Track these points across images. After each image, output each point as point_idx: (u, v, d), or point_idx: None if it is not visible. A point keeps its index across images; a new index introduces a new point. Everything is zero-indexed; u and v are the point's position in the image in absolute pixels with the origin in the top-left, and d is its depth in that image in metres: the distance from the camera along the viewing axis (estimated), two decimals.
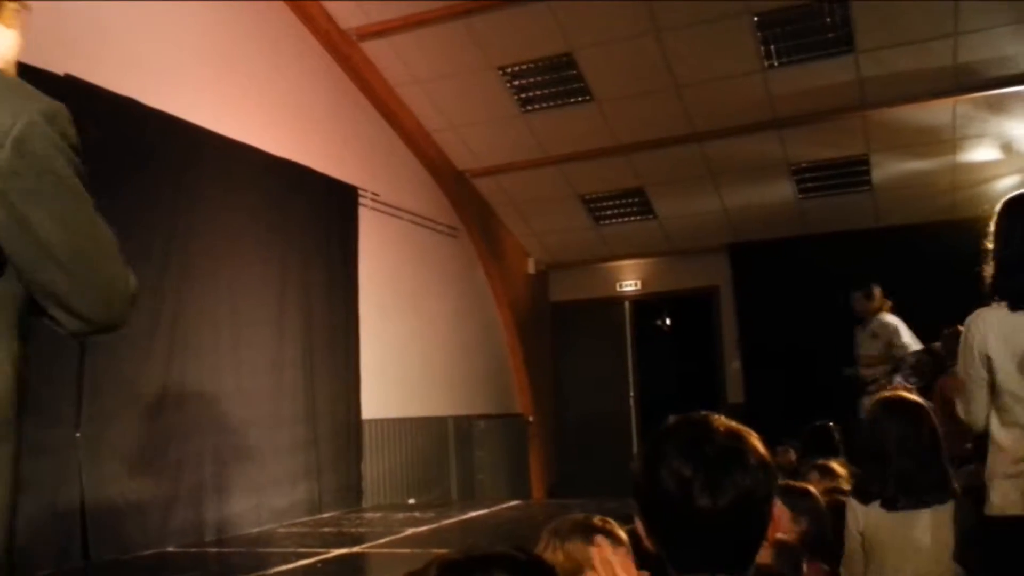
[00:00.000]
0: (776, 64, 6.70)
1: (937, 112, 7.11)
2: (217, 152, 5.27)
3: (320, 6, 6.43)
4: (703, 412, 1.40)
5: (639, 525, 1.39)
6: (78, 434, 4.13)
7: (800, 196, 8.35)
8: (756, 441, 1.36)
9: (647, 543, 1.40)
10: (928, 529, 2.48)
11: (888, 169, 7.88)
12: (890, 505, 2.54)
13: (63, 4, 4.37)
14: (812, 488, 2.98)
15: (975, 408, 2.47)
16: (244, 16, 5.78)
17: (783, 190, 8.30)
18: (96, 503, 4.16)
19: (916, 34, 6.29)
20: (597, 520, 1.97)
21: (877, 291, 7.00)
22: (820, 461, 3.69)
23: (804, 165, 7.98)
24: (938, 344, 4.87)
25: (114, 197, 4.47)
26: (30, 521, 3.84)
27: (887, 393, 3.07)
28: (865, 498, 2.61)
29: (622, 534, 1.93)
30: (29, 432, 3.78)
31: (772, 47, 6.56)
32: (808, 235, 8.64)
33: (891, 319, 6.93)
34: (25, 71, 4.11)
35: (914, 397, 2.79)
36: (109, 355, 4.35)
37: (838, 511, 2.74)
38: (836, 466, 3.55)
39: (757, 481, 1.31)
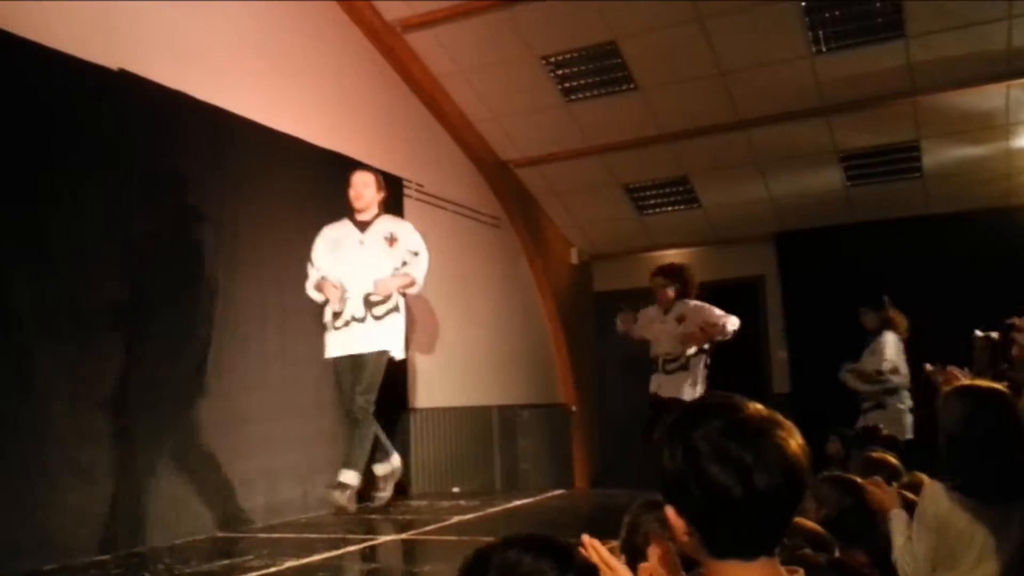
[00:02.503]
0: (824, 50, 6.60)
1: (990, 97, 6.95)
2: (264, 144, 5.33)
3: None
4: (718, 395, 1.39)
5: (675, 522, 1.35)
6: (132, 422, 4.23)
7: (848, 183, 8.22)
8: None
9: (683, 539, 1.37)
10: (1016, 525, 2.42)
11: (939, 155, 7.72)
12: (973, 494, 2.48)
13: (116, 2, 4.46)
14: (846, 475, 2.95)
15: None
16: (290, 10, 5.83)
17: (831, 177, 8.18)
18: (150, 489, 4.25)
19: (968, 18, 6.14)
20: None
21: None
22: (871, 454, 3.63)
23: (853, 152, 7.85)
24: (997, 334, 4.76)
25: (165, 190, 4.58)
26: (86, 508, 3.95)
27: (969, 381, 2.99)
28: (956, 487, 2.54)
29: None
30: (86, 421, 3.87)
31: (820, 32, 6.45)
32: (856, 223, 8.51)
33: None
34: (81, 66, 4.23)
35: (1001, 387, 2.72)
36: (162, 345, 4.45)
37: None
38: (889, 458, 3.49)
39: (801, 448, 1.31)
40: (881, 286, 7.92)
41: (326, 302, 4.99)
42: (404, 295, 5.16)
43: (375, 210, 5.10)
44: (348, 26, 6.50)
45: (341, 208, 5.99)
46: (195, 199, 4.79)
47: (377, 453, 5.10)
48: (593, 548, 1.52)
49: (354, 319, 4.90)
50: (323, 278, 4.94)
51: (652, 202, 8.95)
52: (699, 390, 6.52)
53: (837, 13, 6.29)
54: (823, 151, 7.83)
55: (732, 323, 6.56)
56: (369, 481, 5.15)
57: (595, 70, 7.08)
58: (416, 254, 5.09)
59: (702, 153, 8.00)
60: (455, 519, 4.80)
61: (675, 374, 6.58)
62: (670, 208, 8.99)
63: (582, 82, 7.24)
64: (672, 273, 6.85)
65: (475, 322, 7.73)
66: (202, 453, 4.61)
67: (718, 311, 6.61)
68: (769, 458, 1.27)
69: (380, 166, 6.43)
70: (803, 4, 6.23)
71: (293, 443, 5.31)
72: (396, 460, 5.18)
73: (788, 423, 1.34)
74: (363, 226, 5.07)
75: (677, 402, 6.30)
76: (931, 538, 2.52)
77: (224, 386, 4.82)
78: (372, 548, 3.94)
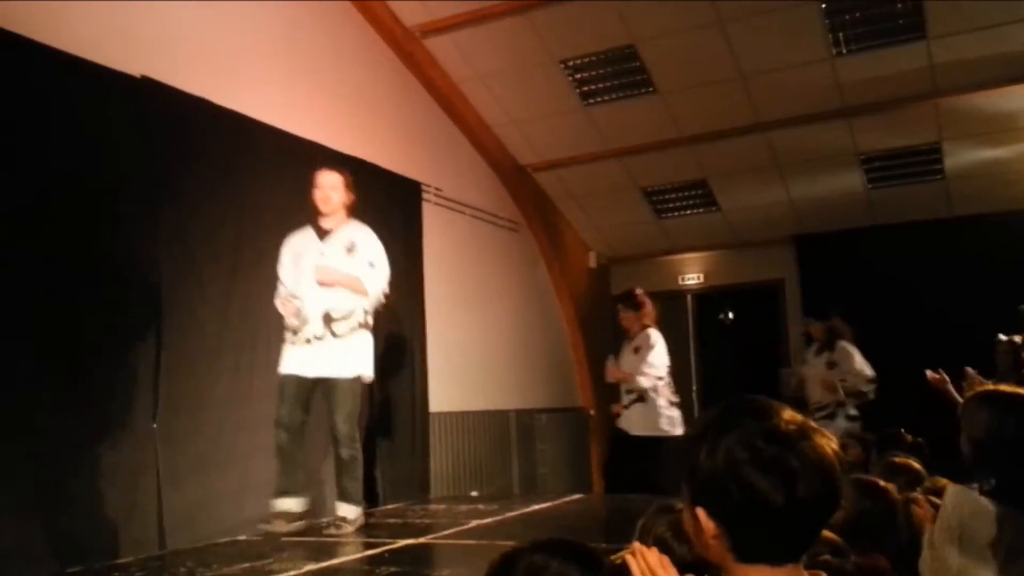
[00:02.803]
0: (845, 52, 6.56)
1: (1013, 98, 6.89)
2: (284, 149, 5.36)
3: (384, 4, 6.51)
4: (751, 399, 1.35)
5: (705, 524, 1.31)
6: (155, 425, 4.27)
7: (869, 186, 8.17)
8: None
9: (710, 542, 1.32)
10: None
11: (961, 157, 7.66)
12: (1000, 499, 2.45)
13: (138, 8, 4.51)
14: (866, 478, 2.91)
15: None
16: (310, 16, 5.88)
17: (852, 180, 8.13)
18: (171, 493, 4.29)
19: (990, 19, 6.10)
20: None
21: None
22: (893, 458, 3.58)
23: (874, 154, 7.80)
24: (1020, 337, 4.71)
25: (186, 195, 4.61)
26: (110, 509, 3.99)
27: (991, 386, 2.96)
28: (983, 492, 2.51)
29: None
30: (108, 425, 3.89)
31: (840, 34, 6.43)
32: (877, 226, 8.45)
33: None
34: (104, 73, 4.27)
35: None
36: (183, 350, 4.48)
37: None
38: (912, 463, 3.45)
39: (836, 455, 1.29)
40: (902, 289, 7.87)
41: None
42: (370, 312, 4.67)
43: (342, 216, 4.69)
44: (368, 32, 6.53)
45: (361, 214, 6.03)
46: (217, 204, 4.82)
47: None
48: (641, 555, 1.48)
49: (315, 338, 4.47)
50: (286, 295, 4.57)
51: (670, 205, 8.93)
52: (666, 421, 6.19)
53: (857, 15, 6.25)
54: (844, 153, 7.78)
55: (646, 382, 6.19)
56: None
57: (614, 73, 7.08)
58: (372, 265, 4.62)
59: (721, 156, 7.97)
60: (474, 523, 4.80)
61: (632, 407, 6.25)
62: (689, 211, 8.96)
63: (600, 85, 7.24)
64: (627, 299, 6.54)
65: (493, 326, 7.73)
66: (223, 457, 4.64)
67: (652, 360, 6.20)
68: (811, 465, 1.25)
69: (399, 171, 6.49)
70: (823, 6, 6.20)
71: (313, 447, 5.33)
72: (360, 511, 4.61)
73: (821, 429, 1.32)
74: (325, 234, 4.66)
75: (652, 441, 6.10)
76: (954, 543, 2.49)
77: (245, 390, 4.85)
78: (391, 552, 3.94)
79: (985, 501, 2.47)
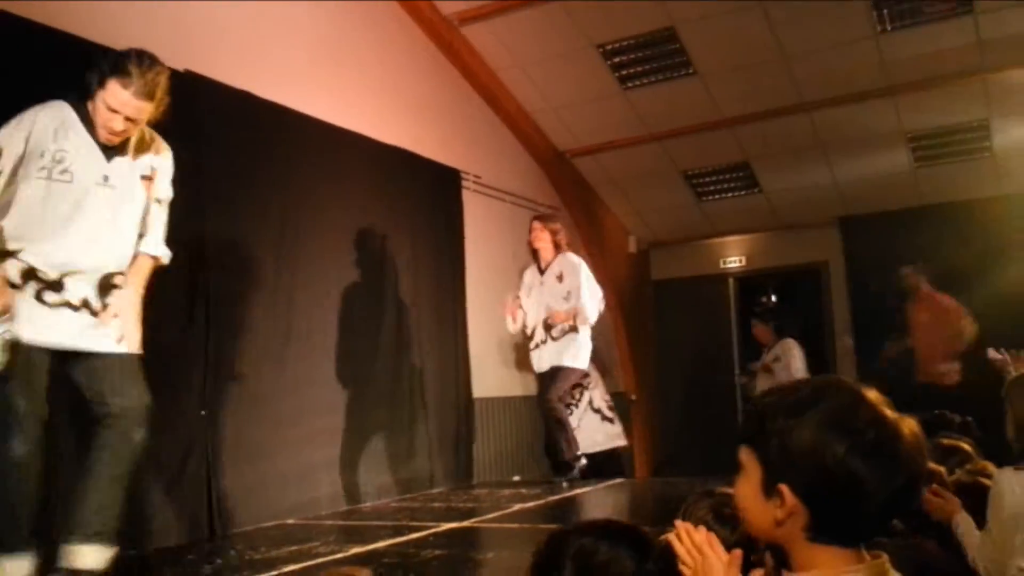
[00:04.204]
0: (889, 28, 6.43)
1: None
2: (326, 140, 5.42)
3: None
4: (839, 380, 1.34)
5: (789, 500, 1.27)
6: (203, 412, 4.36)
7: (916, 165, 8.01)
8: None
9: (782, 518, 1.28)
10: None
11: (1010, 134, 7.47)
12: None
13: (183, 4, 4.58)
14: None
15: None
16: (351, 7, 5.92)
17: (897, 159, 7.97)
18: (220, 478, 4.38)
19: None
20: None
21: None
22: (942, 440, 3.51)
23: (920, 132, 7.64)
24: None
25: (233, 187, 4.69)
26: (160, 494, 4.09)
27: None
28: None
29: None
30: (160, 409, 3.98)
31: (884, 11, 6.29)
32: (924, 205, 8.29)
33: None
34: None
35: None
36: (231, 338, 4.56)
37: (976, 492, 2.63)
38: (963, 444, 3.39)
39: (919, 441, 1.29)
40: (950, 269, 7.71)
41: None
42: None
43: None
44: (407, 22, 6.55)
45: (402, 203, 6.08)
46: (261, 197, 4.89)
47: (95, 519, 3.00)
48: (687, 532, 1.45)
49: (83, 305, 2.98)
50: None
51: (711, 188, 8.84)
52: (585, 353, 6.04)
53: None
54: (889, 132, 7.64)
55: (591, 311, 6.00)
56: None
57: (652, 56, 7.01)
58: (159, 202, 3.17)
59: (763, 138, 7.87)
60: (516, 507, 4.85)
61: (561, 340, 6.03)
62: (730, 194, 8.87)
63: (639, 69, 7.17)
64: (550, 217, 6.38)
65: None
66: (270, 444, 4.73)
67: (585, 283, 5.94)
68: (908, 452, 1.25)
69: (439, 159, 6.52)
70: None
71: (356, 434, 5.41)
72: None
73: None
74: (113, 146, 3.04)
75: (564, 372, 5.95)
76: (1008, 527, 2.45)
77: (291, 378, 4.93)
78: (435, 535, 4.00)
79: None
